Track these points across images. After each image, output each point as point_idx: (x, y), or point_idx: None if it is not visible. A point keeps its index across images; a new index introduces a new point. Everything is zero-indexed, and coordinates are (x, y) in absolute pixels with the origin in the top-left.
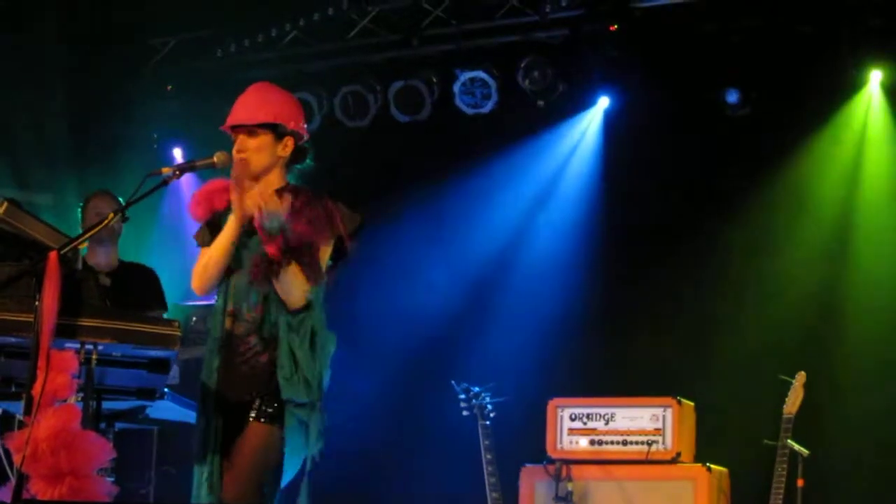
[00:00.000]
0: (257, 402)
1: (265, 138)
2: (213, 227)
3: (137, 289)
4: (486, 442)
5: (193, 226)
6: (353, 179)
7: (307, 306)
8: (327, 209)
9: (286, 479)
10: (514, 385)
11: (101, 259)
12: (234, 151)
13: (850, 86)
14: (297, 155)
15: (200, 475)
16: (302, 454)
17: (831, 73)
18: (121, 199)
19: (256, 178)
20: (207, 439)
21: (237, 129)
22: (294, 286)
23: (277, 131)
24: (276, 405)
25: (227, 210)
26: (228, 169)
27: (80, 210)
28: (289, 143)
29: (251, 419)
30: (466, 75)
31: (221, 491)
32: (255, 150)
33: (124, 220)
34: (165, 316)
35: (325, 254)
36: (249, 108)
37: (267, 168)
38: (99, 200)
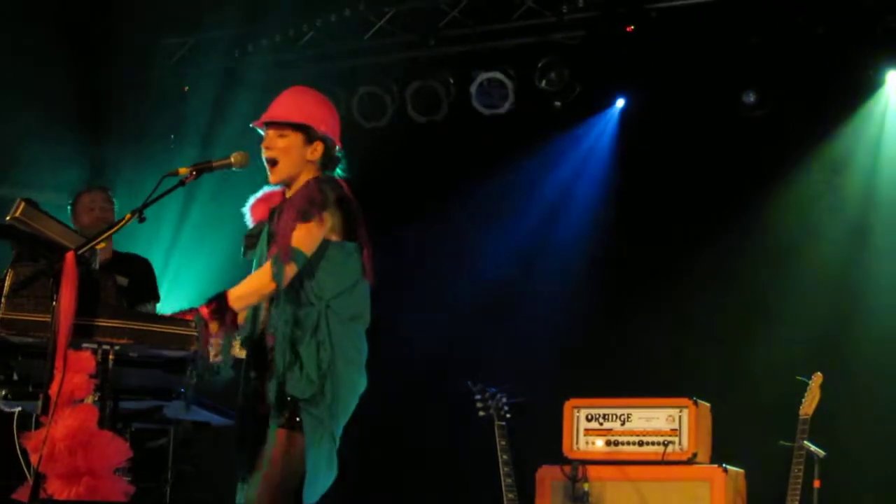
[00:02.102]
0: (276, 408)
1: (295, 139)
2: (251, 238)
3: (132, 280)
4: (503, 442)
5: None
6: (368, 180)
7: (318, 299)
8: (310, 193)
9: (326, 483)
10: (531, 385)
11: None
12: (262, 147)
13: (867, 87)
14: (328, 161)
15: (238, 479)
16: (330, 450)
17: (848, 75)
18: (108, 193)
19: (286, 181)
20: (238, 443)
21: (268, 127)
22: (255, 297)
23: (308, 134)
24: (292, 408)
25: (263, 222)
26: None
27: (69, 206)
28: (318, 147)
29: (274, 425)
30: (483, 76)
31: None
32: (283, 151)
33: (141, 220)
34: (158, 307)
35: (304, 233)
36: (284, 107)
37: (296, 171)
38: (93, 195)
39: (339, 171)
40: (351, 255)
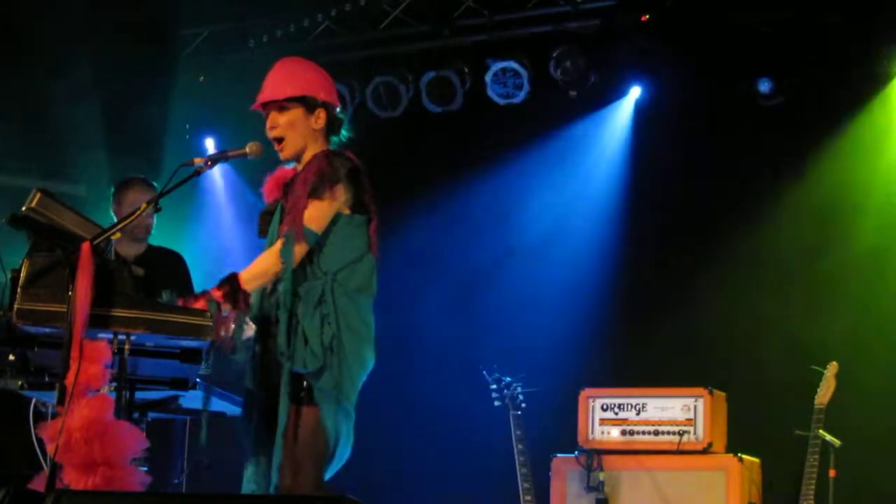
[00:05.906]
0: (284, 383)
1: (296, 112)
2: (265, 215)
3: (165, 274)
4: (518, 432)
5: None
6: (384, 170)
7: (324, 272)
8: (320, 167)
9: (343, 457)
10: (546, 375)
11: (131, 250)
12: (266, 129)
13: (882, 75)
14: (332, 125)
15: (248, 458)
16: (346, 425)
17: (863, 63)
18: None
19: (297, 154)
20: (246, 420)
21: (268, 107)
22: (266, 277)
23: (308, 104)
24: (299, 383)
25: (277, 200)
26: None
27: (111, 195)
28: (321, 114)
29: (291, 403)
30: (498, 65)
31: (267, 476)
32: (287, 126)
33: (157, 210)
34: None
35: (316, 211)
36: (277, 83)
37: (304, 142)
38: (138, 193)
39: (343, 132)
40: (359, 228)
